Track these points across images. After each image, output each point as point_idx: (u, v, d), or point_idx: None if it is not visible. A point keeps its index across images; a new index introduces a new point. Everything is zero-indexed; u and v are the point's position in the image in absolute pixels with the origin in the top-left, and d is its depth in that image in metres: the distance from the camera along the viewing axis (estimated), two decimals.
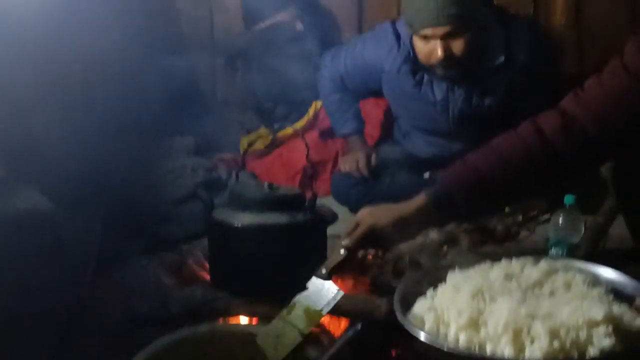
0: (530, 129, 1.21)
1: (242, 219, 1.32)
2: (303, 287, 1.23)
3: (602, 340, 0.75)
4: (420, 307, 0.91)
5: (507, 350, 0.78)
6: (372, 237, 1.15)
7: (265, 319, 1.28)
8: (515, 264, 0.95)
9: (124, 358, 1.11)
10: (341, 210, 2.16)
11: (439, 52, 1.89)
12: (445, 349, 0.81)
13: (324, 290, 1.15)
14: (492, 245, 1.48)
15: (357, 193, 2.12)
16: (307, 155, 1.38)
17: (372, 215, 1.16)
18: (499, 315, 0.80)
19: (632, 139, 1.18)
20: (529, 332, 0.78)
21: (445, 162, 2.03)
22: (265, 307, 1.30)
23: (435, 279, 0.98)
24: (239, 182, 1.45)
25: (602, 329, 0.76)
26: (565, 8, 2.75)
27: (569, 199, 1.58)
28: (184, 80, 2.56)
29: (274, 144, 2.35)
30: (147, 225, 1.94)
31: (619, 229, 1.54)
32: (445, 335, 0.84)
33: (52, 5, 1.70)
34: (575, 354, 0.75)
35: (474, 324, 0.82)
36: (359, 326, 1.05)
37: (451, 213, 1.14)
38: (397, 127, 2.34)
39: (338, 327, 1.33)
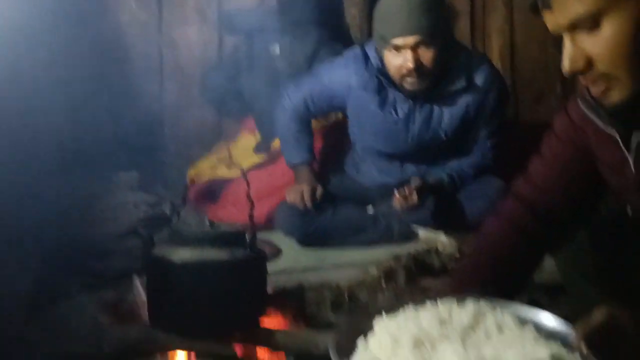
0: (503, 225, 1.21)
1: (181, 254, 1.31)
2: (242, 324, 1.22)
3: None
4: (360, 357, 0.88)
5: None
6: None
7: (203, 355, 1.27)
8: (442, 308, 0.94)
9: None
10: (286, 245, 2.17)
11: (410, 62, 2.03)
12: None
13: None
14: (430, 279, 1.51)
15: (300, 224, 2.14)
16: (248, 194, 1.39)
17: None
18: None
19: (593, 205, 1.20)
20: None
21: (392, 191, 2.12)
22: (204, 344, 1.28)
23: (365, 326, 0.93)
24: (180, 218, 1.44)
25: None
26: (501, 52, 2.91)
27: None
28: (131, 116, 2.55)
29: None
30: (87, 261, 1.89)
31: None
32: None
33: None
34: None
35: None
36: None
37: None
38: (350, 156, 2.41)
39: None
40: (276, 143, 2.50)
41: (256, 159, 2.54)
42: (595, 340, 0.82)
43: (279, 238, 2.19)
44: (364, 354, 0.88)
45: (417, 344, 0.85)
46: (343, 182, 2.35)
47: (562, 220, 1.19)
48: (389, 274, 1.45)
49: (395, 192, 2.13)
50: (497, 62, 2.81)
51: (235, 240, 1.36)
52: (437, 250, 1.55)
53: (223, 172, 2.53)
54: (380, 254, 1.74)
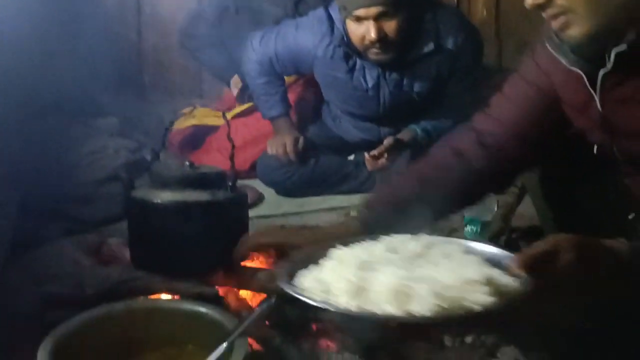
0: (446, 150, 1.24)
1: (162, 196, 1.31)
2: (224, 265, 1.24)
3: (482, 298, 0.80)
4: (305, 279, 0.92)
5: (392, 310, 0.81)
6: None
7: (185, 296, 1.28)
8: (396, 239, 0.97)
9: (37, 340, 1.08)
10: (268, 192, 2.18)
11: (372, 34, 1.92)
12: (339, 311, 0.83)
13: None
14: None
15: (282, 175, 2.14)
16: (228, 135, 1.37)
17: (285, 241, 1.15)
18: (384, 280, 0.84)
19: (548, 147, 1.22)
20: (413, 294, 0.81)
21: (373, 146, 2.10)
22: (186, 284, 1.29)
23: (321, 256, 0.97)
24: (160, 160, 1.43)
25: (481, 288, 0.81)
26: (486, 1, 2.87)
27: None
28: (108, 61, 2.49)
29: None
30: (66, 208, 1.88)
31: (527, 207, 1.63)
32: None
33: None
34: (459, 311, 0.80)
35: (360, 290, 0.85)
36: (272, 300, 1.06)
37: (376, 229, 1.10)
38: (326, 111, 2.37)
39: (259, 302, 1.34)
40: None
41: (241, 107, 2.52)
42: (535, 266, 0.84)
43: (261, 184, 2.19)
44: (309, 276, 0.92)
45: (362, 266, 0.88)
46: (322, 131, 2.33)
47: (510, 159, 1.20)
48: None
49: (366, 154, 2.10)
50: (481, 10, 2.78)
51: (215, 182, 1.35)
52: None
53: (207, 119, 2.51)
54: (361, 200, 1.75)
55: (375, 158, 2.07)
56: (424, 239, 0.97)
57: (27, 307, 1.32)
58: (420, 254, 0.93)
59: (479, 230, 1.63)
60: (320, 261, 0.95)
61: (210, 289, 1.34)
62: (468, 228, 1.65)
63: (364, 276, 0.86)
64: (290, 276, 0.94)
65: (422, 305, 0.79)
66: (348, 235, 1.09)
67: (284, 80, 2.30)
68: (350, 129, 2.30)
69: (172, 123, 1.76)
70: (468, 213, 1.67)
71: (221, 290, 1.38)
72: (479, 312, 0.78)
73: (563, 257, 0.84)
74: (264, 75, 2.24)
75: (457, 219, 1.68)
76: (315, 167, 2.19)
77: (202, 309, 1.17)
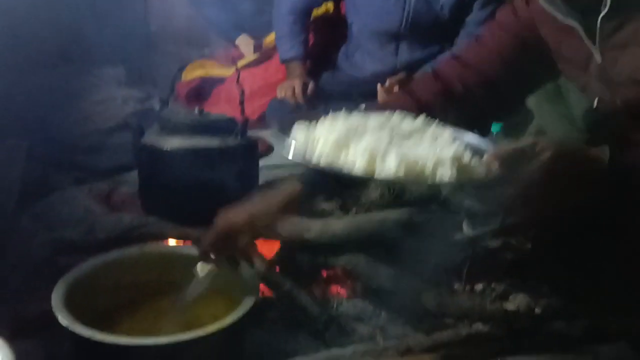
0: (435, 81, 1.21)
1: (172, 142, 1.30)
2: None
3: (445, 172, 0.85)
4: (296, 130, 0.96)
5: (361, 169, 0.85)
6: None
7: (195, 242, 1.28)
8: (394, 117, 1.00)
9: (50, 284, 1.09)
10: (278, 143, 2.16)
11: None
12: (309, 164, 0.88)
13: None
14: None
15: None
16: (238, 79, 1.35)
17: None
18: (362, 142, 0.88)
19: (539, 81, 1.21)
20: (384, 158, 0.85)
21: (385, 80, 2.10)
22: (196, 230, 1.30)
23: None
24: (169, 108, 1.42)
25: (447, 165, 0.85)
26: None
27: (496, 127, 1.63)
28: (115, 13, 2.45)
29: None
30: (75, 157, 1.88)
31: None
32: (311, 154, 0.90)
33: None
34: (421, 179, 0.86)
35: (339, 147, 0.88)
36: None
37: None
38: (343, 49, 2.36)
39: (270, 250, 1.35)
40: (269, 39, 2.44)
41: (250, 57, 2.49)
42: (508, 160, 0.86)
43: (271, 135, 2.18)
44: (302, 129, 0.95)
45: (350, 130, 0.92)
46: (335, 78, 2.32)
47: (499, 94, 1.18)
48: None
49: (379, 86, 2.10)
50: None
51: (225, 129, 1.34)
52: None
53: (214, 70, 2.48)
54: None
55: (387, 91, 2.07)
56: (420, 120, 1.00)
57: (40, 252, 1.33)
58: (410, 132, 0.96)
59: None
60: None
61: None
62: None
63: (347, 136, 0.90)
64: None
65: (387, 167, 0.84)
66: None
67: (308, 28, 2.34)
68: (365, 62, 2.29)
69: (182, 68, 1.73)
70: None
71: None
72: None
73: (540, 157, 0.85)
74: (294, 14, 2.28)
75: None
76: (324, 113, 2.18)
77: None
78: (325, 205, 1.39)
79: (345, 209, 1.39)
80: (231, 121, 1.36)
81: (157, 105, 2.08)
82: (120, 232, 1.31)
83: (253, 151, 1.39)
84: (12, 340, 0.93)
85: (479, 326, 1.12)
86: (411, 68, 2.19)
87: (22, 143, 1.75)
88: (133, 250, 1.22)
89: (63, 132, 1.88)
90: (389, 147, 0.87)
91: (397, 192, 1.41)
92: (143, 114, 1.96)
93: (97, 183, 1.65)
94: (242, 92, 1.35)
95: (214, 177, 1.30)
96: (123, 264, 1.18)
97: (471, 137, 1.00)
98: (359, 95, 2.22)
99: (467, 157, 0.88)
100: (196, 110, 1.37)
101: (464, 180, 0.87)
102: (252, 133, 1.51)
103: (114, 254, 1.19)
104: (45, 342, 1.09)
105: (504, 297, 1.12)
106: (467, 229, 1.33)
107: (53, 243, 1.34)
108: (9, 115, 1.82)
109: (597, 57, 1.03)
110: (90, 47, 2.29)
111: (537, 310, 1.12)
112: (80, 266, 1.14)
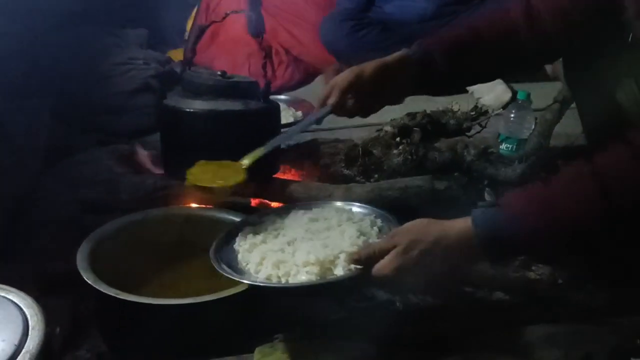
0: (498, 15, 1.18)
1: (194, 104, 1.29)
2: (256, 175, 1.24)
3: (342, 269, 0.95)
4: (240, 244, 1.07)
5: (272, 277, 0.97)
6: (356, 95, 1.13)
7: (218, 205, 1.29)
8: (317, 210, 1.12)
9: (75, 243, 1.10)
10: None
11: None
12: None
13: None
14: (444, 139, 1.49)
15: (346, 37, 2.13)
16: (260, 44, 1.33)
17: (355, 67, 1.14)
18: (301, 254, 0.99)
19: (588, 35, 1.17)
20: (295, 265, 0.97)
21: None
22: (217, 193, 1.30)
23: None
24: (191, 70, 1.40)
25: (343, 258, 0.96)
26: None
27: (522, 94, 1.59)
28: None
29: None
30: (98, 119, 1.89)
31: (566, 127, 1.57)
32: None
33: None
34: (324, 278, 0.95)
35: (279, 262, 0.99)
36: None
37: (431, 74, 1.13)
38: None
39: None
40: None
41: None
42: (368, 262, 0.93)
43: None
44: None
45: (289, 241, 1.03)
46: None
47: (552, 40, 1.14)
48: (403, 131, 1.43)
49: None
50: None
51: (248, 91, 1.33)
52: (452, 111, 1.51)
53: None
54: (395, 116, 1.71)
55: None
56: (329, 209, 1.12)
57: (64, 212, 1.35)
58: (328, 227, 1.05)
59: (514, 148, 1.59)
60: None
61: (243, 199, 1.35)
62: (503, 146, 1.60)
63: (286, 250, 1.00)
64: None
65: (297, 274, 0.96)
66: (402, 65, 1.13)
67: None
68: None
69: (206, 26, 1.69)
70: (503, 131, 1.62)
71: (253, 201, 1.39)
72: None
73: (400, 253, 0.90)
74: None
75: (491, 136, 1.63)
76: (379, 35, 2.18)
77: (235, 218, 1.19)
78: (347, 171, 1.38)
79: (367, 175, 1.38)
80: (254, 84, 1.35)
81: (178, 68, 2.07)
82: (143, 194, 1.31)
83: (275, 114, 1.37)
84: (39, 298, 0.95)
85: (499, 294, 1.12)
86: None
87: (47, 101, 1.75)
88: (156, 212, 1.23)
89: (86, 94, 1.88)
90: (289, 255, 0.99)
91: (419, 158, 1.39)
92: (165, 75, 1.95)
93: (120, 145, 1.65)
94: (265, 56, 1.33)
95: (236, 139, 1.28)
96: (146, 226, 1.20)
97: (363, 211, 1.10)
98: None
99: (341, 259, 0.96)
100: (218, 72, 1.35)
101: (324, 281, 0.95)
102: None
103: (137, 215, 1.21)
104: (70, 300, 1.11)
105: (526, 266, 1.11)
106: (489, 197, 1.32)
107: (77, 203, 1.35)
108: (33, 75, 1.82)
109: None
110: (112, 8, 2.28)
111: (560, 281, 1.11)
112: (104, 226, 1.16)
